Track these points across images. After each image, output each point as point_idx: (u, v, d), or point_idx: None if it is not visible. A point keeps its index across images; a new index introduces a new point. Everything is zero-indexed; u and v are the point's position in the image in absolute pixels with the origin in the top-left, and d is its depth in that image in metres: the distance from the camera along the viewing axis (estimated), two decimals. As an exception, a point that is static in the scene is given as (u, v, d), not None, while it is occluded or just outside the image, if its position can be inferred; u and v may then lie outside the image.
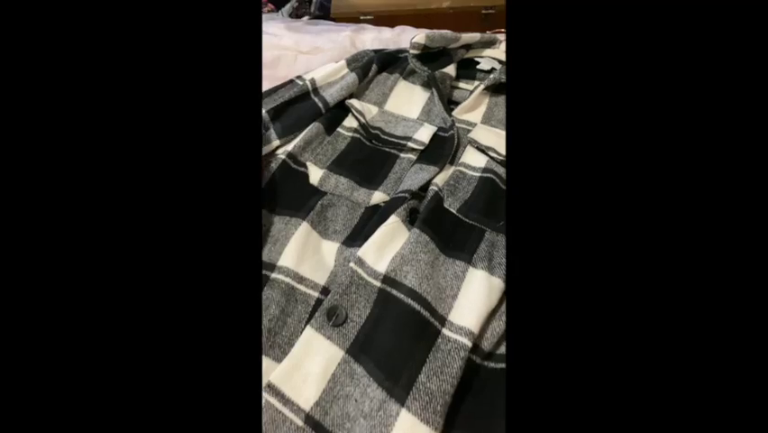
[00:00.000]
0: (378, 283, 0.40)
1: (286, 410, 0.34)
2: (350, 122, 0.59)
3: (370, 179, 0.52)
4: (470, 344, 0.36)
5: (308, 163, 0.53)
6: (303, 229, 0.46)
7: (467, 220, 0.47)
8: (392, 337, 0.37)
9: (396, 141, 0.56)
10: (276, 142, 0.56)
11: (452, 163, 0.53)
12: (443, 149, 0.54)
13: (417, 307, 0.38)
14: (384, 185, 0.52)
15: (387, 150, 0.56)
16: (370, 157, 0.55)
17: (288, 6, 1.20)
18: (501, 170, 0.52)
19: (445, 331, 0.37)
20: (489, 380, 0.37)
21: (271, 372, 0.36)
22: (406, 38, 0.79)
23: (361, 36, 0.77)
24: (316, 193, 0.50)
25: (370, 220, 0.47)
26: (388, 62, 0.65)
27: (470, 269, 0.42)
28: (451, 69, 0.62)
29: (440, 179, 0.50)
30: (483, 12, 1.15)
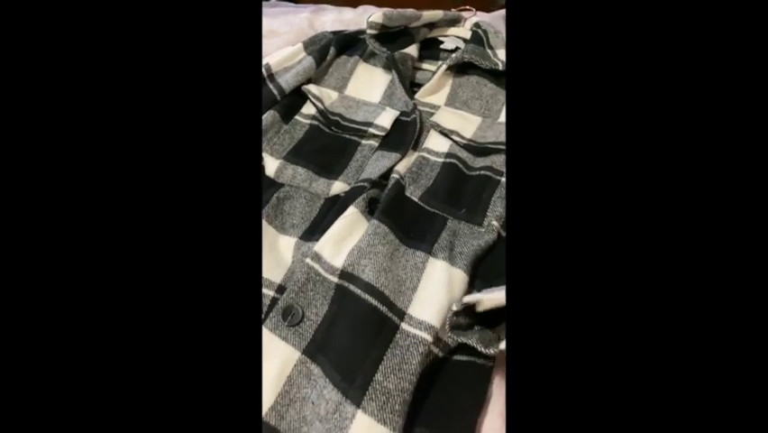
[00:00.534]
0: (335, 279, 0.39)
1: (239, 418, 0.33)
2: (308, 108, 0.56)
3: (330, 169, 0.50)
4: (429, 338, 0.34)
5: (264, 154, 0.51)
6: (257, 225, 0.44)
7: (429, 208, 0.45)
8: (348, 336, 0.35)
9: (356, 127, 0.53)
10: (229, 133, 0.53)
11: (415, 149, 0.51)
12: (405, 134, 0.51)
13: (374, 302, 0.36)
14: (345, 174, 0.50)
15: (347, 137, 0.53)
16: (329, 145, 0.52)
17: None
18: (465, 155, 0.50)
19: (404, 326, 0.36)
20: (453, 373, 0.36)
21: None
22: (369, 18, 0.75)
23: (321, 17, 0.73)
24: (273, 185, 0.48)
25: (330, 212, 0.45)
26: (348, 44, 0.62)
27: (431, 259, 0.40)
28: (412, 50, 0.60)
29: (402, 166, 0.48)
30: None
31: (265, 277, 0.41)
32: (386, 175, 0.48)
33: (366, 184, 0.45)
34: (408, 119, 0.53)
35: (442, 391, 0.35)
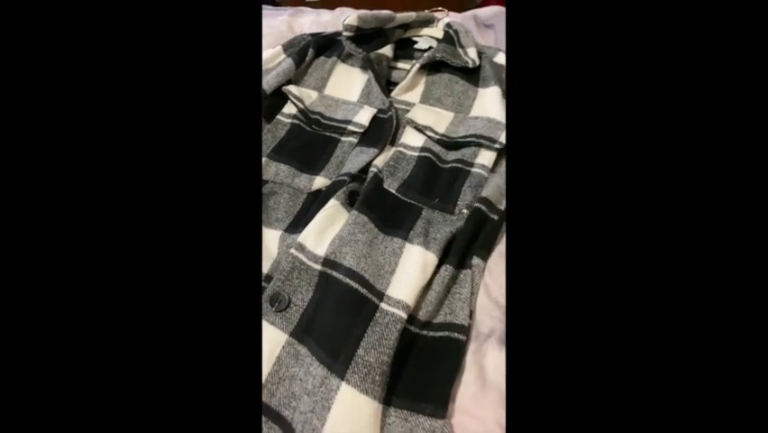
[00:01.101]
0: (318, 267, 0.41)
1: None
2: (289, 108, 0.58)
3: (312, 165, 0.53)
4: (404, 315, 0.37)
5: (248, 153, 0.53)
6: (244, 219, 0.46)
7: (405, 199, 0.48)
8: (332, 317, 0.38)
9: (336, 125, 0.56)
10: (214, 134, 0.55)
11: (392, 144, 0.54)
12: (382, 130, 0.54)
13: (355, 285, 0.39)
14: (326, 170, 0.52)
15: (327, 134, 0.56)
16: (310, 142, 0.55)
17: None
18: (438, 149, 0.53)
19: (383, 305, 0.39)
20: (427, 348, 0.39)
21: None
22: (346, 20, 0.78)
23: (299, 20, 0.75)
24: (257, 182, 0.50)
25: (313, 206, 0.48)
26: (326, 46, 0.65)
27: (407, 245, 0.43)
28: (388, 50, 0.62)
29: (380, 161, 0.51)
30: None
31: (253, 268, 0.44)
32: (365, 169, 0.50)
33: (346, 178, 0.48)
34: (385, 116, 0.55)
35: (420, 365, 0.38)
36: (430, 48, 0.67)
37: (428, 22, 0.68)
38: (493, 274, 0.44)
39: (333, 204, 0.45)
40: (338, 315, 0.38)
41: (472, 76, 0.61)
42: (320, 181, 0.51)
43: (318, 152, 0.54)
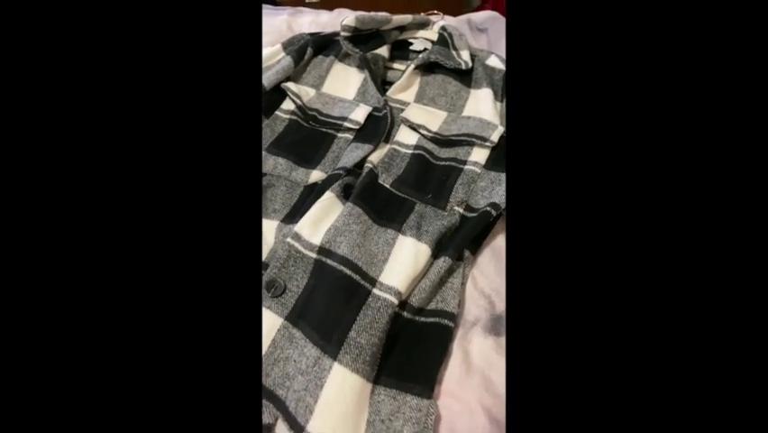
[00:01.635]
0: (313, 255, 0.43)
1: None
2: (287, 105, 0.60)
3: (308, 159, 0.55)
4: (396, 301, 0.39)
5: (247, 146, 0.55)
6: (242, 209, 0.48)
7: (399, 194, 0.50)
8: (326, 302, 0.40)
9: (333, 121, 0.58)
10: (214, 128, 0.57)
11: (387, 141, 0.56)
12: (377, 128, 0.56)
13: (348, 272, 0.41)
14: (322, 164, 0.54)
15: (324, 130, 0.58)
16: (307, 138, 0.57)
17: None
18: (431, 146, 0.55)
19: (375, 291, 0.41)
20: (419, 333, 0.41)
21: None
22: (344, 21, 0.80)
23: (299, 20, 0.77)
24: (255, 175, 0.52)
25: (309, 198, 0.50)
26: (324, 45, 0.67)
27: (400, 236, 0.45)
28: (384, 51, 0.65)
29: (375, 157, 0.53)
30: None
31: (250, 256, 0.45)
32: (360, 164, 0.52)
33: (342, 172, 0.50)
34: (380, 114, 0.58)
35: (409, 349, 0.40)
36: (425, 49, 0.69)
37: (424, 24, 0.71)
38: (481, 266, 0.46)
39: (328, 196, 0.47)
40: (332, 300, 0.40)
41: (465, 77, 0.63)
42: (316, 175, 0.53)
43: (315, 146, 0.56)
